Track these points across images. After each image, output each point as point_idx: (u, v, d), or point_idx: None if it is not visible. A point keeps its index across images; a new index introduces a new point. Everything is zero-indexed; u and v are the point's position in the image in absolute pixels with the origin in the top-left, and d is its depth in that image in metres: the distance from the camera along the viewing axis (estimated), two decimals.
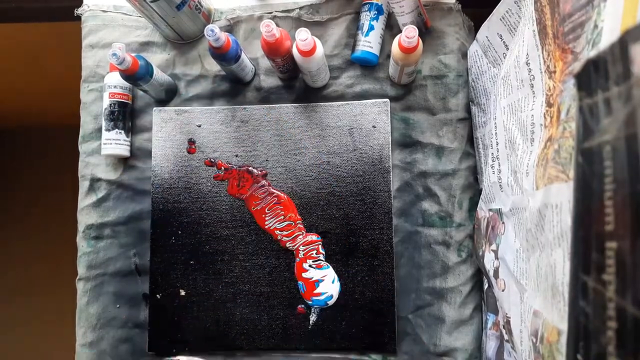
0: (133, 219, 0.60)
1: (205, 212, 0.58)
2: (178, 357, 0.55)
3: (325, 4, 0.60)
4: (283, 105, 0.59)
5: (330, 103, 0.58)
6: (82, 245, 0.60)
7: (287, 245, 0.57)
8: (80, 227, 0.60)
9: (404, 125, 0.58)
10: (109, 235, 0.59)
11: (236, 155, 0.59)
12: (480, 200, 0.53)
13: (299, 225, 0.57)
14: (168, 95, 0.60)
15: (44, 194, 1.45)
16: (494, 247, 0.47)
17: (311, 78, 0.56)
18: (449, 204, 0.57)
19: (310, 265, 0.56)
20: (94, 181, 0.60)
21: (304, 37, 0.48)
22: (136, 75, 0.53)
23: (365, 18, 0.56)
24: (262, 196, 0.58)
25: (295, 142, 0.58)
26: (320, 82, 0.58)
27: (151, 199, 0.59)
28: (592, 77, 0.24)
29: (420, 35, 0.50)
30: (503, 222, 0.45)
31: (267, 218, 0.57)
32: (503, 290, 0.44)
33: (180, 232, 0.58)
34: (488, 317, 0.53)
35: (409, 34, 0.48)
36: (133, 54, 0.53)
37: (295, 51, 0.51)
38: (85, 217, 0.60)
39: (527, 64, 0.38)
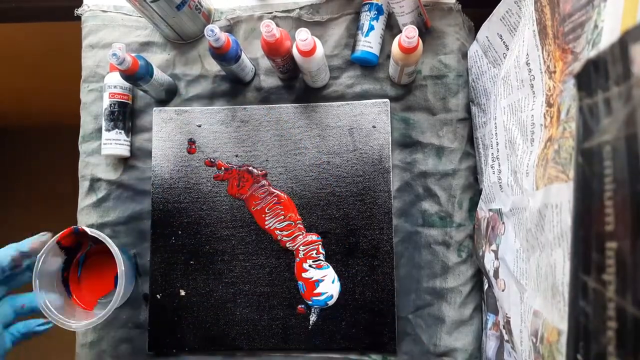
0: (133, 219, 0.60)
1: (206, 212, 0.58)
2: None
3: (325, 4, 0.60)
4: (283, 105, 0.59)
5: (330, 103, 0.58)
6: None
7: (287, 245, 0.57)
8: None
9: (404, 126, 0.58)
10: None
11: (236, 155, 0.59)
12: (480, 201, 0.53)
13: (299, 225, 0.57)
14: (168, 95, 0.60)
15: (44, 194, 1.45)
16: (494, 247, 0.47)
17: (311, 78, 0.56)
18: (449, 204, 0.57)
19: (310, 265, 0.56)
20: (94, 181, 0.60)
21: (304, 37, 0.48)
22: (136, 75, 0.53)
23: (365, 18, 0.56)
24: (262, 196, 0.58)
25: (295, 142, 0.58)
26: (320, 82, 0.58)
27: (151, 199, 0.59)
28: (592, 77, 0.24)
29: (420, 35, 0.50)
30: (503, 222, 0.45)
31: (267, 218, 0.57)
32: (503, 291, 0.44)
33: (180, 232, 0.58)
34: (488, 317, 0.53)
35: (409, 34, 0.48)
36: (133, 54, 0.53)
37: (295, 51, 0.51)
38: (85, 217, 0.60)
39: (527, 64, 0.38)
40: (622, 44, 0.21)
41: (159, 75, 0.56)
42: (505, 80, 0.43)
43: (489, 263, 0.49)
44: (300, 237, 0.57)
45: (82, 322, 0.50)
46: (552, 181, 0.31)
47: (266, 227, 0.57)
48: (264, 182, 0.58)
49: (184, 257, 0.58)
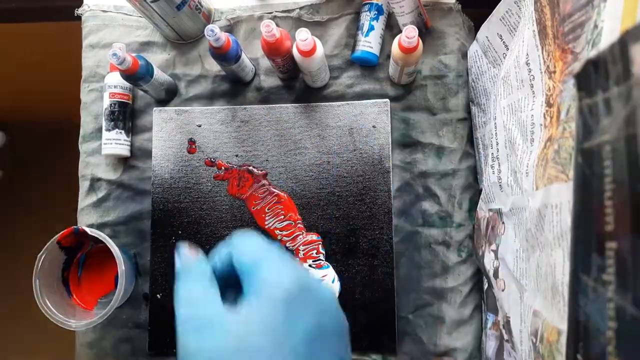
0: (133, 218, 0.60)
1: (206, 212, 0.58)
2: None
3: (325, 4, 0.60)
4: (283, 105, 0.59)
5: (330, 103, 0.58)
6: None
7: (287, 245, 0.57)
8: None
9: (404, 125, 0.58)
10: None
11: (236, 155, 0.59)
12: (480, 201, 0.53)
13: (299, 225, 0.57)
14: (168, 95, 0.60)
15: (44, 194, 1.45)
16: (493, 247, 0.47)
17: (311, 78, 0.56)
18: (449, 204, 0.57)
19: (310, 265, 0.56)
20: (94, 181, 0.60)
21: (304, 37, 0.48)
22: (136, 75, 0.53)
23: (365, 18, 0.56)
24: (262, 195, 0.58)
25: (295, 142, 0.58)
26: (320, 82, 0.58)
27: (151, 199, 0.59)
28: (592, 77, 0.24)
29: (420, 35, 0.50)
30: (503, 222, 0.45)
31: (267, 218, 0.57)
32: (503, 290, 0.44)
33: (180, 232, 0.58)
34: (488, 317, 0.53)
35: (409, 34, 0.48)
36: (133, 54, 0.53)
37: (295, 51, 0.51)
38: (86, 217, 0.60)
39: (527, 64, 0.38)
40: (622, 44, 0.21)
41: (159, 75, 0.56)
42: (505, 80, 0.43)
43: (489, 263, 0.49)
44: (300, 236, 0.57)
45: (82, 322, 0.50)
46: (552, 181, 0.31)
47: (266, 227, 0.57)
48: (264, 181, 0.58)
49: None
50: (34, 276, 0.50)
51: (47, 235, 0.52)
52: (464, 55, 0.58)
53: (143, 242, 0.59)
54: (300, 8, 0.60)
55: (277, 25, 0.58)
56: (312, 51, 0.50)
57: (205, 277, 0.28)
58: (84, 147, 0.62)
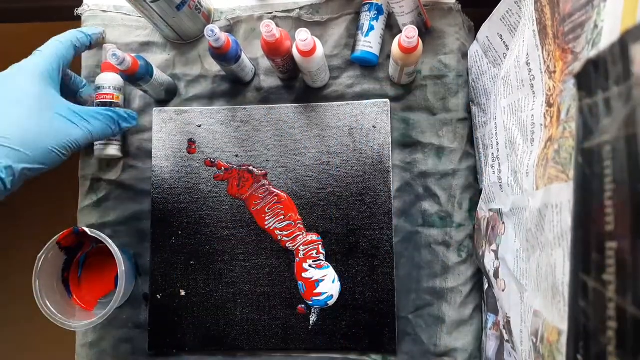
0: (133, 219, 0.60)
1: (206, 212, 0.58)
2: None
3: (325, 4, 0.60)
4: (283, 105, 0.59)
5: (330, 103, 0.58)
6: None
7: (287, 245, 0.57)
8: None
9: (404, 126, 0.58)
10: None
11: (236, 156, 0.59)
12: (481, 201, 0.53)
13: (299, 225, 0.57)
14: (168, 96, 0.60)
15: (44, 194, 1.45)
16: (494, 247, 0.47)
17: (311, 78, 0.56)
18: (449, 204, 0.57)
19: (310, 265, 0.56)
20: (94, 181, 0.60)
21: (304, 37, 0.48)
22: (136, 75, 0.53)
23: (365, 18, 0.56)
24: (262, 195, 0.58)
25: (295, 142, 0.58)
26: (320, 82, 0.58)
27: (151, 199, 0.59)
28: (592, 77, 0.24)
29: (420, 35, 0.50)
30: (503, 222, 0.45)
31: (267, 218, 0.57)
32: (503, 291, 0.44)
33: (180, 232, 0.58)
34: (488, 317, 0.53)
35: (409, 34, 0.48)
36: (133, 54, 0.53)
37: (295, 51, 0.51)
38: (86, 217, 0.60)
39: (528, 64, 0.38)
40: (622, 44, 0.21)
41: (159, 75, 0.56)
42: (505, 80, 0.43)
43: (489, 263, 0.49)
44: (301, 237, 0.57)
45: (82, 322, 0.50)
46: (552, 181, 0.31)
47: (266, 227, 0.57)
48: (264, 181, 0.58)
49: (184, 257, 0.58)
50: (33, 276, 0.50)
51: (47, 235, 0.52)
52: (464, 55, 0.58)
53: (143, 242, 0.59)
54: (300, 8, 0.60)
55: (277, 25, 0.58)
56: (312, 51, 0.50)
57: None
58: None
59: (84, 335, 0.59)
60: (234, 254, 0.57)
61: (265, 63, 0.60)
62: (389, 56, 0.58)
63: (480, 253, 0.52)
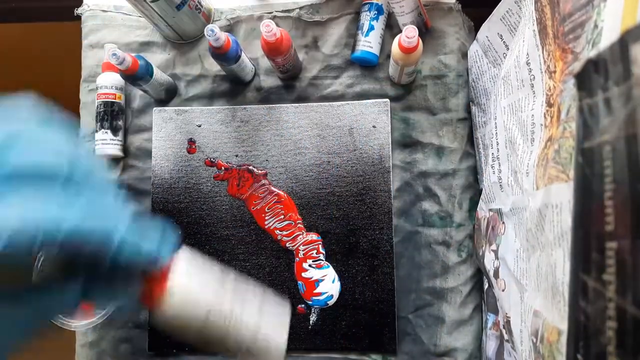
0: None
1: (206, 212, 0.58)
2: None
3: (325, 4, 0.60)
4: (283, 105, 0.59)
5: (330, 103, 0.58)
6: None
7: (287, 245, 0.57)
8: None
9: (404, 125, 0.58)
10: None
11: (236, 155, 0.59)
12: (481, 200, 0.53)
13: (299, 225, 0.57)
14: (168, 95, 0.60)
15: None
16: (494, 247, 0.47)
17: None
18: (449, 204, 0.57)
19: (310, 265, 0.56)
20: None
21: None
22: (136, 75, 0.53)
23: (365, 18, 0.56)
24: (262, 195, 0.58)
25: (295, 142, 0.58)
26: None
27: (151, 199, 0.59)
28: (592, 77, 0.24)
29: (420, 35, 0.50)
30: (503, 222, 0.45)
31: (266, 217, 0.57)
32: (503, 290, 0.44)
33: (180, 232, 0.58)
34: (488, 317, 0.53)
35: (409, 34, 0.48)
36: (133, 54, 0.53)
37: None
38: None
39: (528, 63, 0.38)
40: (622, 44, 0.21)
41: (159, 75, 0.56)
42: (505, 80, 0.43)
43: (489, 263, 0.49)
44: (300, 236, 0.57)
45: (82, 322, 0.50)
46: (553, 181, 0.31)
47: (266, 226, 0.57)
48: (264, 181, 0.58)
49: None
50: (33, 276, 0.50)
51: None
52: (464, 55, 0.58)
53: None
54: (300, 8, 0.60)
55: (277, 25, 0.58)
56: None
57: None
58: None
59: (84, 335, 0.59)
60: (234, 253, 0.57)
61: (265, 63, 0.60)
62: (389, 56, 0.58)
63: (480, 253, 0.52)
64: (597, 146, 0.23)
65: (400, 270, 0.56)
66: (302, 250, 0.57)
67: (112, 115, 0.59)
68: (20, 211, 0.20)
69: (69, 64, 0.77)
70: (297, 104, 0.59)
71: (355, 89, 0.59)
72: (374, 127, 0.57)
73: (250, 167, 0.58)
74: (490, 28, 0.50)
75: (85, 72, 0.62)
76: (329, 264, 0.56)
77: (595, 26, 0.26)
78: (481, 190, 0.53)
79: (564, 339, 0.27)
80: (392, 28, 0.59)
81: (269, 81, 0.60)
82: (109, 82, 0.58)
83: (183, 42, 0.61)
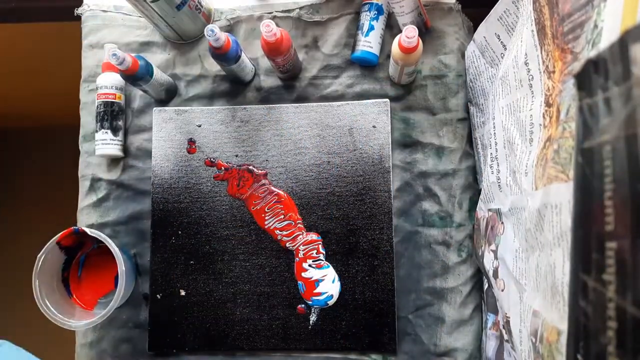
0: (133, 219, 0.60)
1: (206, 212, 0.58)
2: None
3: (325, 4, 0.60)
4: (283, 105, 0.59)
5: (330, 103, 0.58)
6: None
7: (287, 245, 0.57)
8: None
9: (404, 125, 0.58)
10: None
11: (236, 155, 0.59)
12: (480, 200, 0.53)
13: (299, 224, 0.57)
14: (168, 95, 0.60)
15: (44, 194, 1.45)
16: (493, 247, 0.47)
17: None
18: (449, 204, 0.57)
19: (310, 265, 0.56)
20: (94, 181, 0.60)
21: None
22: (136, 75, 0.53)
23: (365, 18, 0.56)
24: (262, 195, 0.58)
25: (295, 142, 0.58)
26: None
27: (151, 199, 0.59)
28: (592, 77, 0.24)
29: (420, 35, 0.50)
30: (502, 222, 0.45)
31: (266, 217, 0.57)
32: (503, 290, 0.44)
33: (180, 232, 0.58)
34: (488, 317, 0.53)
35: (409, 34, 0.48)
36: (133, 54, 0.53)
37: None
38: (86, 217, 0.60)
39: (526, 64, 0.38)
40: (622, 44, 0.21)
41: (159, 75, 0.56)
42: (503, 80, 0.43)
43: (489, 263, 0.49)
44: (300, 236, 0.57)
45: (81, 322, 0.50)
46: (552, 181, 0.31)
47: (266, 226, 0.57)
48: (264, 181, 0.58)
49: (184, 257, 0.58)
50: (33, 276, 0.50)
51: (47, 235, 0.52)
52: (464, 55, 0.58)
53: (143, 242, 0.59)
54: (300, 8, 0.60)
55: (277, 25, 0.58)
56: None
57: None
58: (84, 147, 0.62)
59: (84, 335, 0.59)
60: (234, 253, 0.57)
61: (265, 63, 0.60)
62: (389, 56, 0.58)
63: (480, 253, 0.52)
64: (597, 146, 0.23)
65: (400, 270, 0.57)
66: (302, 250, 0.57)
67: (112, 115, 0.59)
68: None
69: (69, 64, 0.77)
70: (297, 104, 0.59)
71: (355, 89, 0.59)
72: (374, 127, 0.57)
73: (250, 167, 0.58)
74: (487, 28, 0.50)
75: (85, 72, 0.62)
76: (329, 264, 0.56)
77: (595, 26, 0.26)
78: (480, 190, 0.53)
79: (563, 339, 0.27)
80: (392, 28, 0.59)
81: (269, 81, 0.60)
82: (109, 82, 0.58)
83: (183, 42, 0.61)
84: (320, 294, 0.56)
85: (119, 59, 0.50)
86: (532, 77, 0.37)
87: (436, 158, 0.57)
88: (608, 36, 0.24)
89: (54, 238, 0.52)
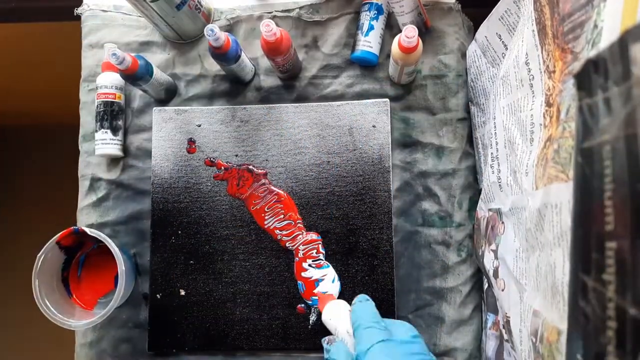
0: (133, 218, 0.60)
1: (205, 212, 0.58)
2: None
3: (325, 3, 0.60)
4: (283, 105, 0.59)
5: (330, 103, 0.58)
6: None
7: (287, 244, 0.57)
8: None
9: (404, 125, 0.58)
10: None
11: (236, 155, 0.59)
12: (480, 200, 0.53)
13: (298, 224, 0.57)
14: (168, 95, 0.60)
15: (44, 194, 1.45)
16: (493, 247, 0.47)
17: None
18: (449, 204, 0.57)
19: (309, 265, 0.56)
20: (94, 181, 0.60)
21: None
22: (136, 75, 0.53)
23: (365, 18, 0.56)
24: (262, 194, 0.58)
25: (295, 142, 0.58)
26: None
27: (151, 198, 0.59)
28: (591, 77, 0.24)
29: (420, 35, 0.50)
30: (502, 222, 0.45)
31: (266, 217, 0.57)
32: (503, 290, 0.44)
33: (180, 232, 0.58)
34: (488, 317, 0.53)
35: (409, 34, 0.48)
36: (133, 54, 0.52)
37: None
38: (85, 217, 0.60)
39: (527, 63, 0.38)
40: (622, 44, 0.21)
41: (158, 75, 0.56)
42: (504, 80, 0.43)
43: (489, 263, 0.49)
44: (300, 236, 0.57)
45: (81, 322, 0.50)
46: (552, 181, 0.31)
47: (266, 226, 0.57)
48: (264, 180, 0.58)
49: (183, 257, 0.58)
50: (33, 276, 0.50)
51: (47, 235, 0.52)
52: (464, 55, 0.58)
53: (143, 242, 0.59)
54: (300, 8, 0.60)
55: (277, 24, 0.58)
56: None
57: None
58: (84, 147, 0.62)
59: (84, 334, 0.59)
60: (234, 253, 0.57)
61: (265, 63, 0.60)
62: (389, 56, 0.58)
63: (480, 253, 0.52)
64: (596, 146, 0.23)
65: (400, 270, 0.56)
66: (302, 250, 0.57)
67: (112, 115, 0.59)
68: None
69: (68, 64, 0.77)
70: (297, 104, 0.59)
71: (355, 89, 0.59)
72: (373, 126, 0.57)
73: (250, 167, 0.58)
74: (488, 28, 0.50)
75: (85, 72, 0.62)
76: (328, 264, 0.56)
77: (595, 26, 0.26)
78: (481, 190, 0.53)
79: (563, 338, 0.27)
80: (392, 28, 0.59)
81: (269, 81, 0.60)
82: (109, 82, 0.58)
83: (183, 42, 0.61)
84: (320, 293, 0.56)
85: (118, 59, 0.50)
86: (533, 77, 0.37)
87: (436, 158, 0.57)
88: (608, 36, 0.24)
89: (54, 238, 0.52)
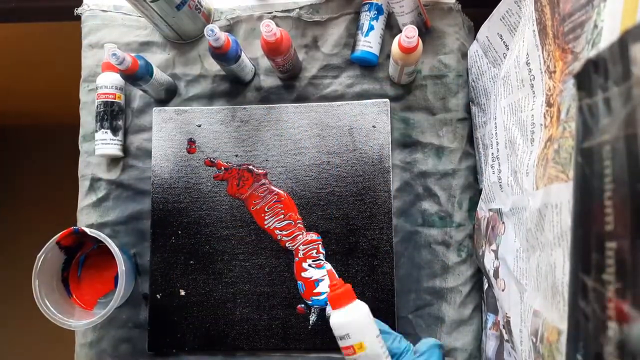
0: (133, 218, 0.60)
1: (205, 212, 0.58)
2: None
3: (325, 3, 0.60)
4: (283, 105, 0.59)
5: (330, 103, 0.58)
6: None
7: (287, 245, 0.57)
8: None
9: (404, 125, 0.58)
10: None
11: (236, 155, 0.59)
12: (480, 200, 0.53)
13: (298, 224, 0.57)
14: (168, 95, 0.60)
15: (44, 194, 1.45)
16: (494, 247, 0.47)
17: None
18: (449, 204, 0.57)
19: (309, 265, 0.56)
20: (94, 181, 0.60)
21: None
22: (136, 75, 0.53)
23: (365, 18, 0.56)
24: (262, 194, 0.58)
25: (295, 142, 0.58)
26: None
27: (151, 199, 0.59)
28: (592, 77, 0.24)
29: (420, 35, 0.50)
30: (503, 222, 0.45)
31: (266, 217, 0.57)
32: (503, 290, 0.44)
33: (180, 232, 0.58)
34: (488, 317, 0.53)
35: (409, 34, 0.48)
36: (133, 54, 0.53)
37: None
38: (85, 217, 0.60)
39: (527, 64, 0.38)
40: (622, 44, 0.21)
41: (158, 75, 0.56)
42: (505, 80, 0.43)
43: (489, 263, 0.49)
44: (300, 236, 0.57)
45: (81, 322, 0.50)
46: (552, 181, 0.31)
47: (266, 226, 0.57)
48: (264, 180, 0.58)
49: (183, 257, 0.58)
50: (33, 276, 0.50)
51: (47, 235, 0.52)
52: (464, 55, 0.58)
53: (143, 242, 0.59)
54: (300, 8, 0.60)
55: (277, 25, 0.58)
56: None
57: None
58: (84, 147, 0.62)
59: (84, 334, 0.59)
60: (234, 253, 0.57)
61: (265, 63, 0.60)
62: (389, 56, 0.58)
63: (480, 253, 0.52)
64: (596, 146, 0.23)
65: (400, 270, 0.56)
66: (302, 250, 0.57)
67: (112, 115, 0.59)
68: None
69: (68, 64, 0.77)
70: (297, 104, 0.59)
71: (355, 89, 0.59)
72: (373, 127, 0.57)
73: (250, 167, 0.58)
74: (490, 28, 0.50)
75: (85, 72, 0.62)
76: (328, 264, 0.56)
77: (595, 26, 0.26)
78: (481, 190, 0.53)
79: (563, 338, 0.27)
80: (392, 28, 0.59)
81: (269, 81, 0.60)
82: (109, 82, 0.58)
83: (183, 42, 0.61)
84: (320, 293, 0.56)
85: (118, 59, 0.50)
86: (534, 77, 0.37)
87: (436, 158, 0.57)
88: (608, 36, 0.24)
89: (54, 238, 0.52)
